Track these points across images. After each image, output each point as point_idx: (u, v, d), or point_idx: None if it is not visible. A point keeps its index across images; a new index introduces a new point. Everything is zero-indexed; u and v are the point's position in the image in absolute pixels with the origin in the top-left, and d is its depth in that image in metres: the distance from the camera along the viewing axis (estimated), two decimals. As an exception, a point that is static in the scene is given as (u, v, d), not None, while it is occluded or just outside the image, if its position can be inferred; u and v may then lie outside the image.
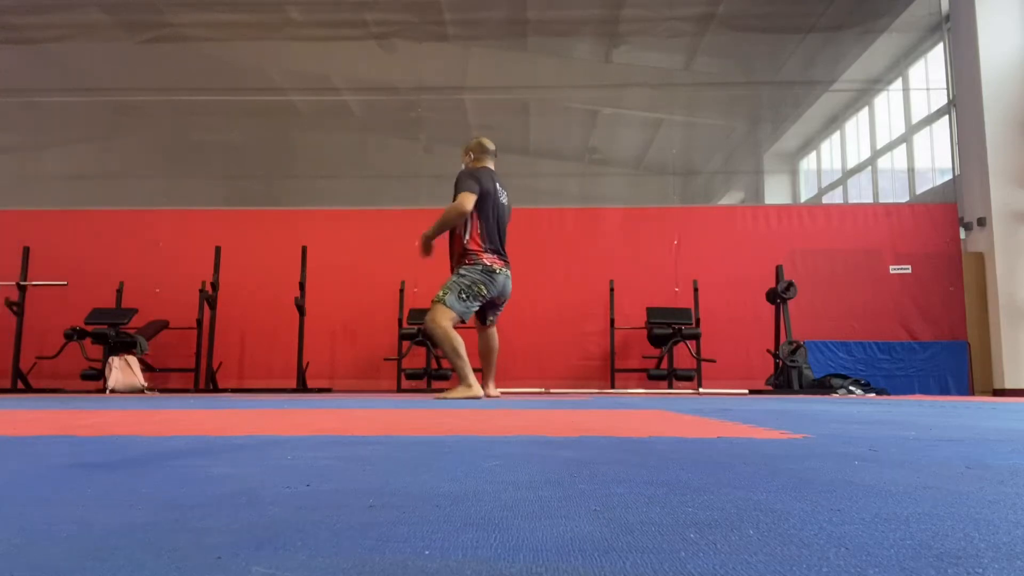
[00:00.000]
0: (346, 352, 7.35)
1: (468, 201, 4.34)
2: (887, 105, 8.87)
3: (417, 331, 6.70)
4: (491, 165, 4.66)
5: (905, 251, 7.35)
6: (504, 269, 4.51)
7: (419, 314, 6.88)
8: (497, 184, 4.54)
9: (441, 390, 6.79)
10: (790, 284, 6.54)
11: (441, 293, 4.40)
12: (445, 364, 7.01)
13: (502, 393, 4.54)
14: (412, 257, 7.55)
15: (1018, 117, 7.03)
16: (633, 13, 8.56)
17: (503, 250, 4.55)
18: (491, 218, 4.46)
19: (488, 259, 4.43)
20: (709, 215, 7.79)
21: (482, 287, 4.38)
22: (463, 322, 4.42)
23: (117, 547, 0.48)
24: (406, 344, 6.77)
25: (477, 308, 4.43)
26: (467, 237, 4.46)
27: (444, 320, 4.30)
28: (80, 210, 7.83)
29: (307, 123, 9.35)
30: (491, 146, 4.69)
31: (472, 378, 4.28)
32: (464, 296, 4.36)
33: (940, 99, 7.85)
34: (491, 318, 4.68)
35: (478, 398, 4.18)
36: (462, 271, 4.42)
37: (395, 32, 8.74)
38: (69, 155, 9.50)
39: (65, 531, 0.53)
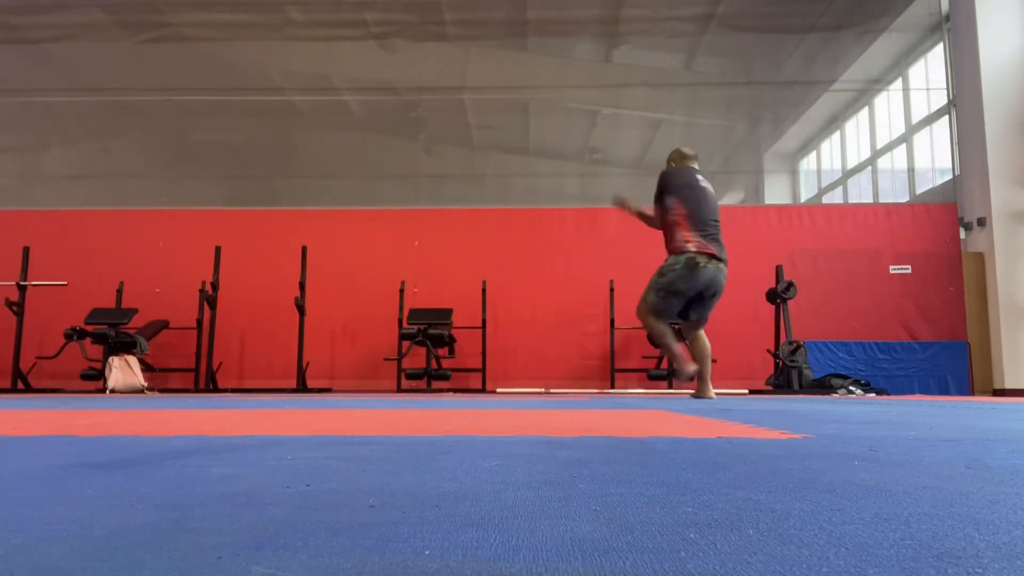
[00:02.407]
0: (346, 352, 7.34)
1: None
2: (887, 105, 8.87)
3: (417, 331, 6.70)
4: (694, 165, 4.80)
5: (905, 251, 7.35)
6: (709, 261, 4.40)
7: (419, 314, 6.88)
8: (698, 176, 4.63)
9: (441, 390, 6.80)
10: (790, 284, 6.54)
11: (644, 293, 4.55)
12: (445, 364, 7.01)
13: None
14: (412, 257, 7.59)
15: (1018, 117, 7.02)
16: (633, 13, 8.56)
17: (711, 239, 4.46)
18: (694, 207, 4.48)
19: (695, 246, 4.40)
20: (709, 215, 7.77)
21: (679, 283, 4.40)
22: (667, 318, 4.51)
23: (117, 547, 0.48)
24: (406, 344, 6.77)
25: (678, 304, 4.46)
26: (669, 231, 4.59)
27: (646, 316, 4.52)
28: (80, 210, 7.83)
29: (307, 123, 9.35)
30: (690, 151, 4.89)
31: (682, 361, 4.49)
32: (660, 293, 4.46)
33: (940, 99, 7.85)
34: (693, 316, 4.58)
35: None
36: (662, 268, 4.49)
37: (395, 32, 8.74)
38: (69, 155, 9.50)
39: (65, 531, 0.53)
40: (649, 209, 4.71)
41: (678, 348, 4.52)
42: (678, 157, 4.87)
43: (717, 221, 4.55)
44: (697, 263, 4.35)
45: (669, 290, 4.41)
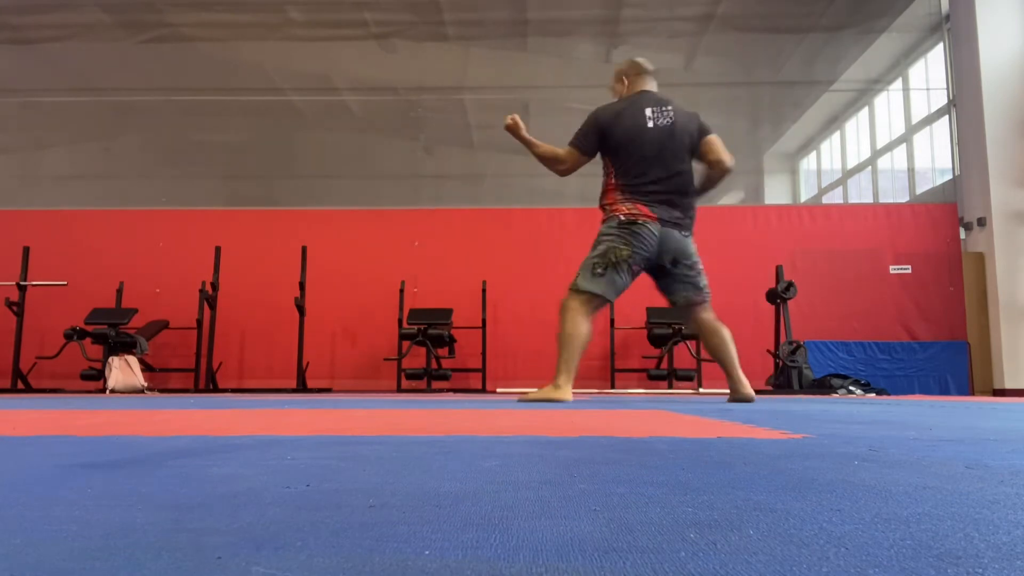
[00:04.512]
0: (346, 352, 7.35)
1: (570, 161, 3.67)
2: (887, 105, 8.87)
3: (417, 331, 6.70)
4: (651, 87, 3.74)
5: (905, 251, 7.36)
6: (652, 223, 3.47)
7: (419, 314, 6.88)
8: (649, 110, 3.58)
9: (441, 390, 6.80)
10: (790, 284, 6.54)
11: (576, 277, 3.61)
12: (445, 364, 7.01)
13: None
14: (412, 257, 7.59)
15: (1018, 117, 7.03)
16: (633, 13, 8.57)
17: (662, 193, 3.51)
18: (634, 156, 3.52)
19: (626, 209, 3.52)
20: (709, 215, 7.77)
21: (621, 249, 3.49)
22: (610, 301, 3.60)
23: (117, 547, 0.48)
24: (406, 344, 6.77)
25: (626, 280, 3.56)
26: (602, 188, 3.66)
27: (570, 304, 3.54)
28: (80, 210, 7.84)
29: (307, 123, 9.35)
30: (648, 66, 3.77)
31: (564, 379, 3.45)
32: (599, 269, 3.52)
33: (940, 99, 7.85)
34: (683, 294, 3.64)
35: (561, 401, 3.38)
36: (598, 237, 3.62)
37: (395, 32, 8.75)
38: (69, 155, 9.50)
39: (65, 531, 0.53)
40: (543, 148, 3.78)
41: (575, 366, 3.51)
42: (633, 72, 3.75)
43: (676, 175, 3.55)
44: (634, 222, 3.49)
45: (609, 261, 3.52)
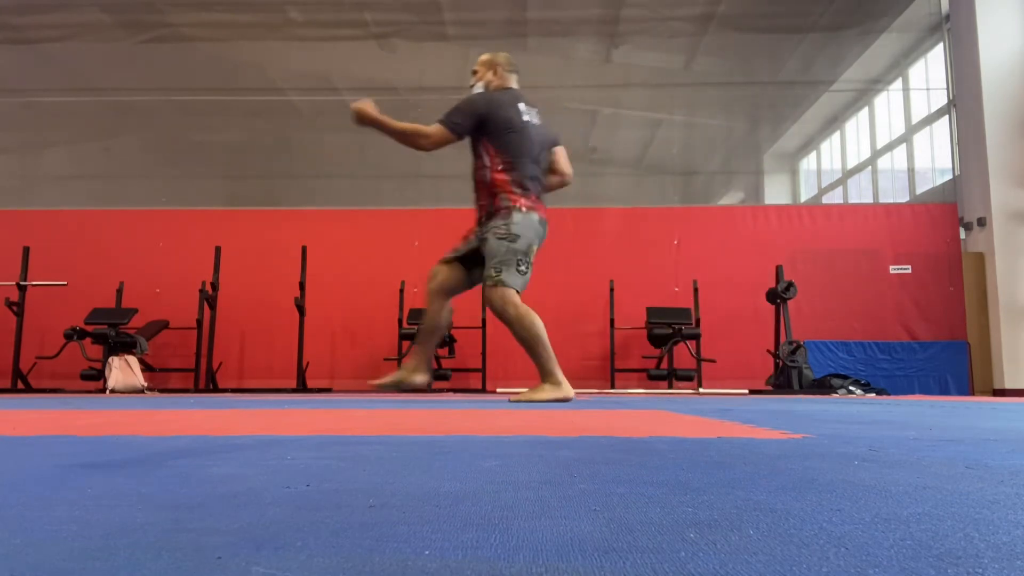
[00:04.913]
0: (346, 352, 7.35)
1: (437, 137, 3.49)
2: (887, 105, 8.87)
3: (417, 331, 6.69)
4: (516, 85, 3.77)
5: (905, 251, 7.36)
6: (545, 222, 3.60)
7: (419, 314, 6.87)
8: (522, 105, 3.61)
9: (441, 390, 6.80)
10: (790, 284, 6.54)
11: (495, 272, 3.48)
12: (445, 364, 7.00)
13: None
14: (412, 257, 7.58)
15: (1018, 117, 7.03)
16: (633, 13, 8.57)
17: (540, 193, 3.63)
18: (518, 147, 3.53)
19: (528, 203, 3.52)
20: (709, 215, 7.79)
21: (534, 247, 3.55)
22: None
23: (117, 547, 0.48)
24: (406, 344, 6.77)
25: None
26: (484, 175, 3.57)
27: (508, 300, 3.49)
28: (80, 210, 7.84)
29: (307, 123, 9.35)
30: (513, 62, 3.79)
31: (559, 374, 3.44)
32: (523, 267, 3.53)
33: (940, 99, 7.85)
34: (477, 282, 3.75)
35: (569, 400, 3.38)
36: (512, 230, 3.47)
37: (395, 32, 8.75)
38: (69, 155, 9.50)
39: (65, 531, 0.53)
40: (402, 124, 3.51)
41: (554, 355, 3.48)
42: (508, 65, 3.73)
43: (543, 174, 3.64)
44: (541, 217, 3.55)
45: (529, 261, 3.53)
